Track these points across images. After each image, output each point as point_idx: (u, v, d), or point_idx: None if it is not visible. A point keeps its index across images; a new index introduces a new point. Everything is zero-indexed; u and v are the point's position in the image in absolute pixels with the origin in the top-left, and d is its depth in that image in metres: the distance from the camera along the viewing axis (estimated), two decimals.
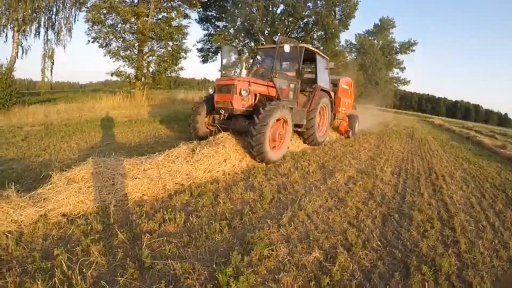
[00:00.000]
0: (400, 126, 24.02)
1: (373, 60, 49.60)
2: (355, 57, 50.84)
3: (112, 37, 19.04)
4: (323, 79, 10.38)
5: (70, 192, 4.30)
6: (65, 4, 19.57)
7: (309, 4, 26.77)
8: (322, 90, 9.90)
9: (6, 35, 17.86)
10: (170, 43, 21.02)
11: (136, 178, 5.08)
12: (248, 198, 5.07)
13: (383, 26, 56.04)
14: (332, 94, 10.93)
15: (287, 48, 7.57)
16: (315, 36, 29.00)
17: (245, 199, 5.03)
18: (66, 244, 3.34)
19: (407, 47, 55.44)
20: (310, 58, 9.89)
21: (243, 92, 7.22)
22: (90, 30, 18.51)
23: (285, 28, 28.79)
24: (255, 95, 7.65)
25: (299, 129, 9.27)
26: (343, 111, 12.39)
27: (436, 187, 6.90)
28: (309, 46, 9.27)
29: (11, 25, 17.70)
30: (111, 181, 4.89)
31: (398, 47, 56.50)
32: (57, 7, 19.44)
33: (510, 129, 54.19)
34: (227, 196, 5.03)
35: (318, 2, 26.62)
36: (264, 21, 27.92)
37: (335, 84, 11.98)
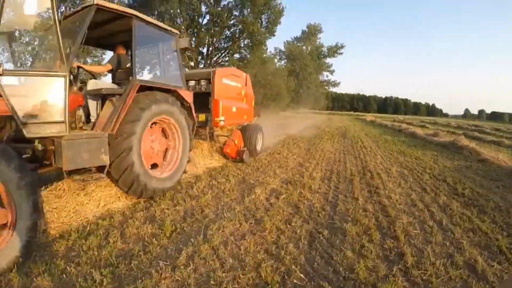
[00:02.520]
0: (333, 127, 24.28)
1: (302, 65, 50.73)
2: (284, 64, 51.75)
3: None
4: (166, 70, 6.28)
5: None
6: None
7: (235, 12, 26.51)
8: (153, 89, 5.22)
9: None
10: None
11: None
12: (145, 232, 3.98)
13: (311, 32, 58.19)
14: (190, 96, 6.06)
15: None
16: (242, 45, 28.90)
17: (141, 234, 3.94)
18: None
19: (334, 50, 58.05)
20: (123, 29, 5.31)
21: None
22: None
23: (211, 38, 28.27)
24: None
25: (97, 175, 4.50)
26: (221, 122, 8.00)
27: (372, 187, 6.27)
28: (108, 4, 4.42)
29: None
30: None
31: (326, 51, 58.91)
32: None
33: (438, 118, 58.87)
34: (120, 233, 3.96)
35: (244, 10, 26.44)
36: (189, 32, 27.16)
37: (209, 79, 8.02)
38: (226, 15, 25.66)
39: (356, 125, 29.19)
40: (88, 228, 4.09)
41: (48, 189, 4.81)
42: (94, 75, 6.14)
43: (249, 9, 26.19)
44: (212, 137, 8.43)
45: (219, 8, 25.81)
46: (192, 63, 29.99)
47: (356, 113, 76.99)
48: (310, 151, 10.97)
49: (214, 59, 30.47)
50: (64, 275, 2.99)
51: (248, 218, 4.46)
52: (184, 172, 5.88)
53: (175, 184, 5.60)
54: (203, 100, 7.83)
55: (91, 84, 5.19)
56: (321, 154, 10.41)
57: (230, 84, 8.68)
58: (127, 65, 5.81)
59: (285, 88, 36.52)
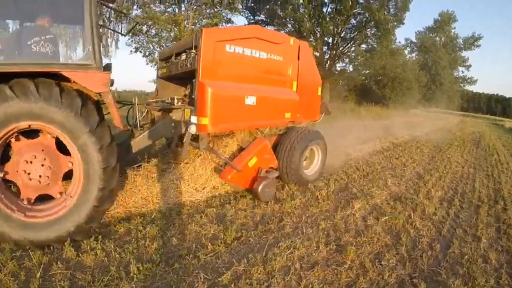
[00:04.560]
0: (465, 132, 20.12)
1: (435, 58, 44.48)
2: (416, 56, 46.38)
3: (152, 46, 19.55)
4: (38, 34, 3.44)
5: None
6: (110, 18, 20.35)
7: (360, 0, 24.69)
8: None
9: None
10: None
11: None
12: (206, 233, 3.50)
13: (444, 21, 50.30)
14: (102, 82, 3.26)
15: None
16: (368, 34, 26.91)
17: (201, 234, 3.49)
18: None
19: (471, 42, 49.61)
20: None
21: None
22: (131, 41, 19.25)
23: (336, 28, 27.02)
24: None
25: None
26: (209, 127, 4.19)
27: (503, 224, 4.41)
28: None
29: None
30: None
31: (462, 43, 50.69)
32: (103, 22, 20.40)
33: None
34: (180, 228, 3.60)
35: None
36: (312, 21, 26.49)
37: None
38: (350, 3, 23.91)
39: (493, 132, 23.59)
40: (153, 216, 3.87)
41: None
42: None
43: None
44: (204, 148, 4.38)
45: None
46: (317, 53, 29.29)
47: (493, 117, 63.88)
48: (435, 160, 8.88)
49: (340, 49, 29.09)
50: (106, 259, 2.92)
51: (330, 241, 3.44)
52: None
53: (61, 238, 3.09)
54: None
55: None
56: (447, 165, 8.29)
57: (247, 55, 4.57)
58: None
59: (416, 83, 32.64)
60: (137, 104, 5.00)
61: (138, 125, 4.84)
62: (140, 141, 4.63)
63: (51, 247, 3.01)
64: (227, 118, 4.25)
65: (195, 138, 4.34)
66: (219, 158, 4.77)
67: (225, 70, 4.29)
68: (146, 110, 5.35)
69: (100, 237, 3.16)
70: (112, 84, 3.62)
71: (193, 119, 4.05)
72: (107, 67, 3.68)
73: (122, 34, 18.16)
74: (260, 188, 4.39)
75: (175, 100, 4.88)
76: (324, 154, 5.87)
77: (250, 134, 5.15)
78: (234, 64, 4.42)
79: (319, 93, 6.07)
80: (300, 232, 3.62)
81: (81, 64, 3.32)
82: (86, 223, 3.09)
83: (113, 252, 2.97)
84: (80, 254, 2.94)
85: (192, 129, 4.14)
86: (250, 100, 4.52)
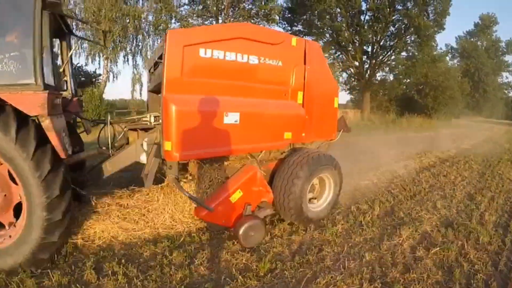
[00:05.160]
0: None
1: (478, 64, 42.45)
2: (457, 63, 44.26)
3: None
4: None
5: None
6: (149, 32, 20.94)
7: (398, 6, 24.05)
8: None
9: (99, 63, 20.61)
10: None
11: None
12: (238, 262, 3.20)
13: (485, 24, 47.85)
14: (35, 103, 2.86)
15: None
16: (408, 41, 26.09)
17: (232, 263, 3.19)
18: None
19: None
20: None
21: None
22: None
23: (375, 36, 26.35)
24: None
25: None
26: (175, 154, 3.15)
27: None
28: None
29: (102, 54, 19.89)
30: None
31: (505, 46, 48.04)
32: (143, 36, 20.94)
33: None
34: (210, 255, 3.31)
35: (408, 3, 23.71)
36: (351, 30, 26.02)
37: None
38: (388, 9, 23.26)
39: None
40: (181, 240, 3.64)
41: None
42: None
43: (412, 1, 23.41)
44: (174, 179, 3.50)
45: (379, 2, 23.62)
46: (356, 63, 28.66)
47: None
48: (485, 177, 7.94)
49: (380, 58, 28.29)
50: (127, 285, 2.77)
51: (375, 278, 2.98)
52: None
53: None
54: None
55: None
56: (499, 182, 7.33)
57: (230, 60, 3.53)
58: None
59: (459, 91, 30.91)
60: (111, 123, 4.23)
61: (109, 147, 4.04)
62: (111, 164, 3.89)
63: (72, 267, 2.97)
64: (199, 142, 3.25)
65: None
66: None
67: (198, 81, 3.34)
68: (125, 129, 4.48)
69: (123, 260, 3.05)
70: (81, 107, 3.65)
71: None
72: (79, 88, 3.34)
73: (103, 46, 18.25)
74: (241, 231, 3.34)
75: (152, 118, 4.11)
76: (337, 185, 4.54)
77: (240, 159, 4.02)
78: (211, 73, 3.43)
79: (336, 105, 4.75)
80: (341, 265, 3.18)
81: (20, 84, 2.86)
82: (34, 255, 2.81)
83: (135, 279, 2.81)
84: (100, 278, 2.84)
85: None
86: (232, 118, 3.41)
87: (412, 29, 24.02)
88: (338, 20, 25.40)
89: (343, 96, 41.56)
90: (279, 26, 27.43)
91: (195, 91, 3.29)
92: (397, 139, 12.30)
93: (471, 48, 44.54)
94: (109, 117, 4.22)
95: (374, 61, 28.24)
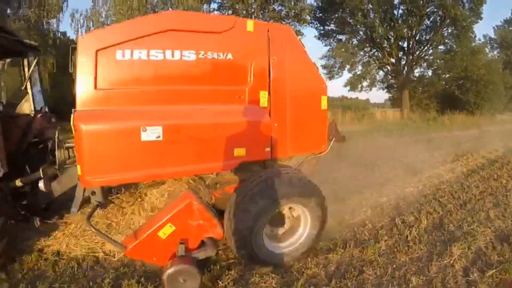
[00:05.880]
0: None
1: None
2: (498, 54, 41.17)
3: None
4: None
5: None
6: None
7: None
8: None
9: None
10: None
11: None
12: (267, 286, 2.88)
13: None
14: None
15: None
16: (445, 34, 24.82)
17: (259, 286, 2.89)
18: None
19: None
20: None
21: None
22: None
23: (410, 30, 25.28)
24: None
25: None
26: (88, 178, 2.58)
27: None
28: None
29: None
30: None
31: None
32: None
33: None
34: (237, 275, 3.02)
35: None
36: (384, 26, 25.14)
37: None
38: (422, 1, 22.36)
39: None
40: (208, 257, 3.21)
41: None
42: None
43: None
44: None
45: None
46: (393, 60, 27.65)
47: None
48: None
49: (417, 53, 27.09)
50: None
51: None
52: None
53: None
54: None
55: None
56: None
57: (156, 60, 2.78)
58: None
59: (502, 85, 28.87)
60: (58, 140, 3.70)
61: (57, 165, 3.59)
62: (58, 184, 3.48)
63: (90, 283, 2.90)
64: (112, 165, 2.62)
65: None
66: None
67: (116, 91, 2.71)
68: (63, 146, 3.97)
69: (142, 279, 2.90)
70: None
71: None
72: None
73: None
74: (166, 276, 2.55)
75: None
76: (317, 220, 3.24)
77: (187, 182, 3.31)
78: (132, 79, 2.78)
79: (324, 106, 3.58)
80: None
81: None
82: None
83: None
84: None
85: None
86: (151, 134, 2.61)
87: (448, 20, 22.95)
88: (371, 16, 24.63)
89: (381, 95, 40.12)
90: (311, 26, 27.07)
91: (112, 104, 2.68)
92: (440, 139, 11.50)
93: (510, 37, 41.49)
94: (57, 134, 3.69)
95: (411, 57, 27.04)
